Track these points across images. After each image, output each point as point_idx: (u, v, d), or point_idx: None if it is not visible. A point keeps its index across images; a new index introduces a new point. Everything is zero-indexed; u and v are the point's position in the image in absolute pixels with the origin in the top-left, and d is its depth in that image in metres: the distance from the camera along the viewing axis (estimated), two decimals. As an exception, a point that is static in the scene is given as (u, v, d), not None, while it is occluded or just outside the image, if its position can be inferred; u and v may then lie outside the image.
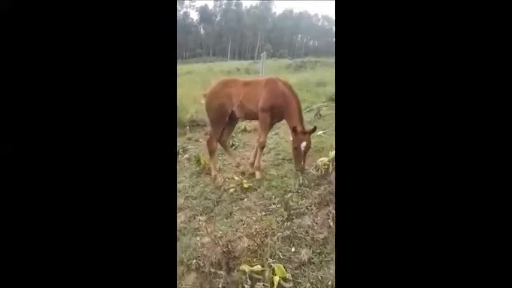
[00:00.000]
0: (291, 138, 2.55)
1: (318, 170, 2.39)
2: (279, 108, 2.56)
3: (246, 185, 2.59)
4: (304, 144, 2.41)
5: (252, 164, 2.99)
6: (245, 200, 2.48)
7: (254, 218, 2.14)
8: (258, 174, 2.80)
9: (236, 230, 2.02)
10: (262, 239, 1.82)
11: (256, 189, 2.60)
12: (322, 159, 2.41)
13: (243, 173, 3.01)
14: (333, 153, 2.31)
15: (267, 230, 1.90)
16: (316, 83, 8.81)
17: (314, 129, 2.47)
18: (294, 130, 2.42)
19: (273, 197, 2.36)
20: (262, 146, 2.77)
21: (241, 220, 2.15)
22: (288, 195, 2.29)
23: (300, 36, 64.39)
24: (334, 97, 6.78)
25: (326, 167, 2.30)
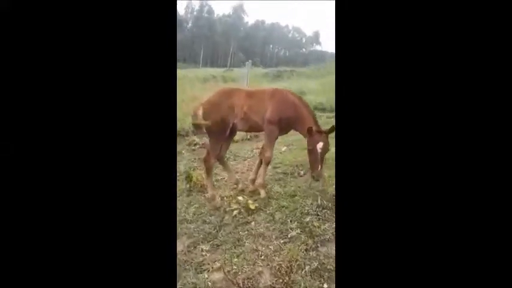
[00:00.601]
0: (306, 141, 2.23)
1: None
2: (288, 120, 2.35)
3: (252, 206, 2.32)
4: (321, 144, 2.09)
5: (253, 181, 2.72)
6: (252, 223, 2.20)
7: (272, 247, 1.86)
8: (263, 193, 2.54)
9: (254, 264, 1.73)
10: (288, 275, 1.56)
11: (263, 210, 2.33)
12: None
13: (242, 191, 2.73)
14: None
15: (292, 263, 1.64)
16: (297, 92, 8.85)
17: (332, 129, 2.13)
18: (309, 131, 2.11)
19: (289, 220, 2.11)
20: (268, 161, 2.53)
21: (256, 250, 1.87)
22: (307, 219, 2.06)
23: (271, 46, 65.94)
24: (318, 106, 6.88)
25: None
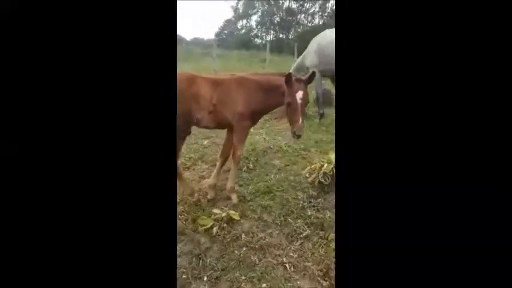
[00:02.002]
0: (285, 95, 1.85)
1: (326, 179, 2.16)
2: (262, 109, 2.07)
3: (236, 216, 1.92)
4: (300, 94, 1.79)
5: (214, 187, 2.27)
6: (243, 236, 1.83)
7: (294, 254, 1.62)
8: (234, 198, 2.17)
9: (289, 280, 1.45)
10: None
11: (245, 217, 2.00)
12: (326, 166, 2.21)
13: (198, 202, 2.22)
14: (328, 158, 2.20)
15: (329, 259, 1.50)
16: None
17: (313, 76, 1.87)
18: (287, 80, 1.79)
19: (289, 219, 1.91)
20: (238, 162, 2.16)
21: (278, 263, 1.57)
22: (309, 213, 1.94)
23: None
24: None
25: (331, 172, 2.15)
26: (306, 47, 4.81)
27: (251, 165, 2.79)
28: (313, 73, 1.89)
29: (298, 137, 1.84)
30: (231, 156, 2.21)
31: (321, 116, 4.59)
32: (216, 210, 1.96)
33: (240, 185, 2.47)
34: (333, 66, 4.10)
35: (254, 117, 2.09)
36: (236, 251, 1.74)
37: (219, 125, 2.08)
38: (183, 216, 2.09)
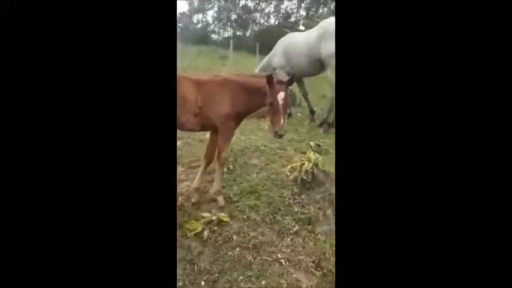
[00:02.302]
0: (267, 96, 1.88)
1: (307, 175, 2.27)
2: (246, 111, 2.07)
3: (226, 218, 1.93)
4: (282, 95, 1.85)
5: (197, 190, 2.24)
6: (234, 237, 1.86)
7: (286, 249, 1.70)
8: (221, 200, 2.17)
9: (286, 273, 1.53)
10: (328, 261, 1.55)
11: (233, 218, 2.02)
12: (307, 164, 2.32)
13: (181, 206, 2.17)
14: (308, 156, 2.33)
15: (321, 250, 1.63)
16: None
17: (292, 79, 1.95)
18: (268, 81, 1.83)
19: (278, 216, 1.97)
20: (223, 163, 2.15)
21: (274, 260, 1.63)
22: (295, 209, 2.03)
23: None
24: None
25: (312, 170, 2.28)
26: (263, 46, 4.92)
27: (231, 166, 2.80)
28: (294, 75, 2.00)
29: (280, 136, 1.90)
30: (215, 158, 2.20)
31: (288, 115, 4.79)
32: (205, 214, 1.95)
33: (223, 187, 2.48)
34: (300, 68, 4.32)
35: (238, 118, 2.11)
36: (230, 252, 1.77)
37: (204, 127, 2.06)
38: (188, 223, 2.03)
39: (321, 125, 4.32)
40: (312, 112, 4.75)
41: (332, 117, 4.17)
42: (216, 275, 1.60)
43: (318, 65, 4.10)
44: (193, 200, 2.26)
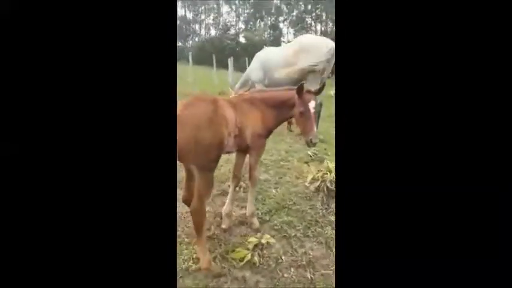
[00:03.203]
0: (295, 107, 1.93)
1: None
2: (275, 126, 2.07)
3: (271, 240, 1.88)
4: (313, 103, 1.90)
5: (230, 215, 2.14)
6: (283, 258, 1.83)
7: None
8: (256, 222, 2.10)
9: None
10: None
11: (276, 238, 1.98)
12: (329, 175, 2.40)
13: (213, 236, 2.05)
14: (327, 166, 2.42)
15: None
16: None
17: (322, 88, 2.01)
18: (299, 91, 1.88)
19: (315, 228, 1.98)
20: (256, 183, 2.09)
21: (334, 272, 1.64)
22: (332, 218, 2.06)
23: None
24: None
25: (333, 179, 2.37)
26: (204, 57, 5.02)
27: (243, 184, 2.74)
28: (324, 84, 2.08)
29: (314, 144, 1.98)
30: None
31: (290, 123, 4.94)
32: (252, 239, 1.87)
33: (244, 207, 2.42)
34: (276, 79, 4.51)
35: (268, 134, 2.10)
36: (286, 274, 1.74)
37: (240, 148, 1.99)
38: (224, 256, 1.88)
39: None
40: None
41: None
42: None
43: (295, 78, 4.36)
44: (224, 226, 2.15)
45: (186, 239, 2.04)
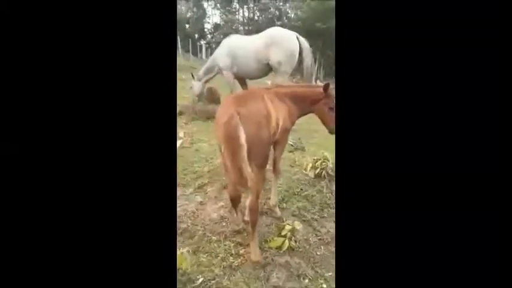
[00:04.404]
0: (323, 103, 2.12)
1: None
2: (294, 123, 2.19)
3: (298, 226, 2.05)
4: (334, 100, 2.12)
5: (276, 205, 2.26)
6: (311, 238, 2.05)
7: None
8: (278, 211, 2.25)
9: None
10: None
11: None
12: (329, 161, 2.67)
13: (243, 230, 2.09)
14: (324, 155, 2.69)
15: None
16: None
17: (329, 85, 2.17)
18: (325, 89, 2.07)
19: (330, 209, 2.25)
20: (279, 175, 2.20)
21: None
22: None
23: None
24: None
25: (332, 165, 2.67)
26: None
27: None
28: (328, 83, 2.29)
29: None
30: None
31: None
32: (287, 227, 1.99)
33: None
34: (247, 70, 4.55)
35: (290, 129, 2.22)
36: (319, 252, 1.97)
37: (273, 142, 2.03)
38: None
39: None
40: None
41: None
42: (330, 273, 1.79)
43: (265, 69, 4.52)
44: (279, 215, 2.25)
45: (213, 237, 2.02)
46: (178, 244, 1.94)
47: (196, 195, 2.54)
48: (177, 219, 2.18)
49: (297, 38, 4.17)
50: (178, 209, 2.31)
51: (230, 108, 1.52)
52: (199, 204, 2.40)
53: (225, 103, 1.76)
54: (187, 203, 2.42)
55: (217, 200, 2.47)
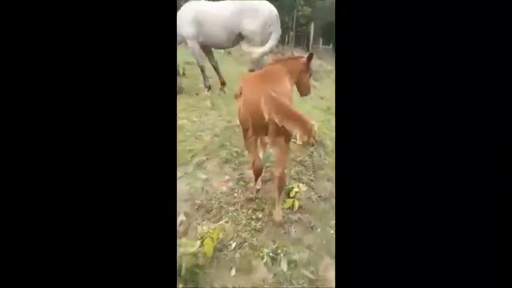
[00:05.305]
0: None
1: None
2: None
3: (302, 188, 2.35)
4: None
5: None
6: (313, 194, 2.40)
7: None
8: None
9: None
10: None
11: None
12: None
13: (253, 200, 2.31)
14: None
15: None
16: None
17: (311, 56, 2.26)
18: (310, 58, 2.17)
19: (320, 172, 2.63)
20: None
21: None
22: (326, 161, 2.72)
23: None
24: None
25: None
26: None
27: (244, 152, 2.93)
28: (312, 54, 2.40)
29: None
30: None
31: (209, 88, 4.82)
32: (295, 189, 2.27)
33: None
34: (215, 39, 4.34)
35: None
36: (322, 206, 2.34)
37: None
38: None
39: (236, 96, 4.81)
40: (224, 84, 5.03)
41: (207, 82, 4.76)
42: (333, 221, 2.18)
43: (235, 39, 4.35)
44: (258, 187, 2.43)
45: (230, 208, 2.20)
46: (198, 219, 2.08)
47: (198, 172, 2.62)
48: (189, 197, 2.28)
49: (269, 7, 4.11)
50: (187, 187, 2.39)
51: (259, 87, 1.63)
52: (204, 181, 2.51)
53: (250, 82, 1.85)
54: (192, 181, 2.50)
55: (220, 174, 2.61)
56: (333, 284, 1.66)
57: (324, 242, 1.98)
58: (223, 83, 4.99)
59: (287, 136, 1.81)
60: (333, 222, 2.17)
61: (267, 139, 2.00)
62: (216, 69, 4.99)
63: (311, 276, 1.70)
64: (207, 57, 4.87)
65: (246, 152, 2.84)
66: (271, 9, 4.16)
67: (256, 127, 1.77)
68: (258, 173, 2.06)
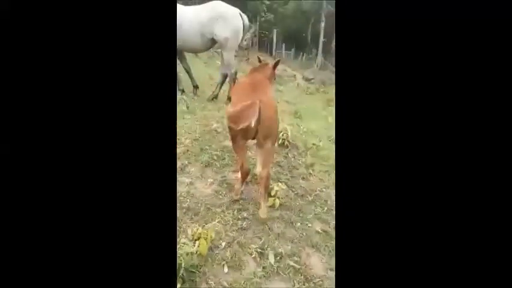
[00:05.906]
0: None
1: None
2: None
3: (283, 186, 2.56)
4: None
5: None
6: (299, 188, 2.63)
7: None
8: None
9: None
10: None
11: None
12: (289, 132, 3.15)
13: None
14: (283, 126, 3.19)
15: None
16: None
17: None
18: (275, 66, 2.41)
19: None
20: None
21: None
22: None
23: None
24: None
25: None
26: None
27: (224, 155, 3.05)
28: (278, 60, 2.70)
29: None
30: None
31: (182, 91, 4.82)
32: (276, 188, 2.46)
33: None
34: (189, 43, 4.39)
35: None
36: (298, 203, 2.58)
37: None
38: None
39: (212, 99, 4.93)
40: (196, 87, 5.08)
41: (218, 91, 4.95)
42: (310, 215, 2.44)
43: (208, 44, 4.48)
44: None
45: (217, 209, 2.32)
46: (187, 221, 2.16)
47: (181, 177, 2.67)
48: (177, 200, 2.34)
49: (240, 14, 4.30)
50: (172, 191, 2.44)
51: (250, 96, 1.81)
52: (189, 184, 2.58)
53: (242, 90, 2.02)
54: (177, 184, 2.55)
55: (203, 178, 2.70)
56: (315, 270, 1.90)
57: (304, 235, 2.21)
58: (195, 86, 5.04)
59: (273, 138, 2.01)
60: (311, 216, 2.43)
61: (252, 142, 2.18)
62: (188, 72, 5.02)
63: (296, 265, 1.92)
64: (179, 61, 4.87)
65: (227, 155, 2.99)
66: (243, 17, 4.37)
67: (245, 132, 1.93)
68: (245, 175, 2.23)
